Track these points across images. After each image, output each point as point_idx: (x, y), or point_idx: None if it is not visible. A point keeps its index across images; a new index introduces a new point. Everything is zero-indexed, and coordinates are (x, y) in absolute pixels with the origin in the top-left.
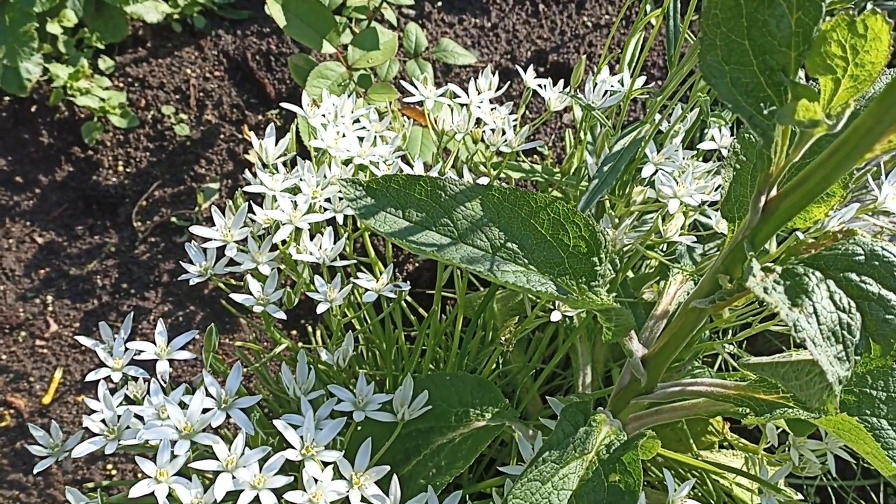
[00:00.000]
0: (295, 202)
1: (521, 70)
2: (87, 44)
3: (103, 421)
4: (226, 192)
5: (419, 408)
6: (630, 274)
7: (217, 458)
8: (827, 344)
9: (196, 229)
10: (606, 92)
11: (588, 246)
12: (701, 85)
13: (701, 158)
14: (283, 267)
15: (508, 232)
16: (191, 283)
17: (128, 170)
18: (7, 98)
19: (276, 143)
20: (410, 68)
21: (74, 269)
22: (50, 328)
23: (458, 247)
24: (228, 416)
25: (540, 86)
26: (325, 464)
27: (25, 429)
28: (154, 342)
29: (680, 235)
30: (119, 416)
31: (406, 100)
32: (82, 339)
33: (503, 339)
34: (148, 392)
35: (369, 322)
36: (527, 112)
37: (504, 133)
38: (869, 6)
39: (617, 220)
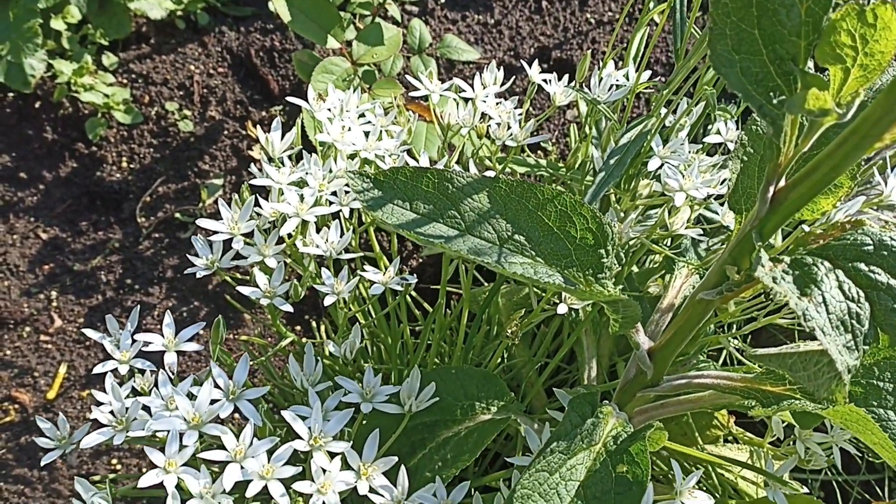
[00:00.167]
0: (301, 195)
1: (525, 65)
2: (91, 40)
3: (111, 412)
4: (229, 188)
5: (426, 399)
6: (634, 269)
7: (225, 449)
8: (836, 333)
9: (203, 222)
10: (612, 86)
11: (595, 238)
12: (707, 78)
13: (705, 153)
14: (288, 261)
15: (515, 224)
16: (197, 276)
17: (132, 166)
18: (11, 94)
19: (282, 138)
20: (414, 64)
21: (78, 264)
22: (54, 323)
23: (466, 238)
24: (234, 410)
25: (545, 80)
26: (333, 455)
27: (30, 424)
28: (160, 335)
29: (686, 228)
30: (127, 409)
31: (412, 94)
32: (89, 332)
33: (510, 331)
34: (155, 384)
35: (374, 316)
36: (530, 109)
37: (509, 127)
38: None
39: (622, 214)
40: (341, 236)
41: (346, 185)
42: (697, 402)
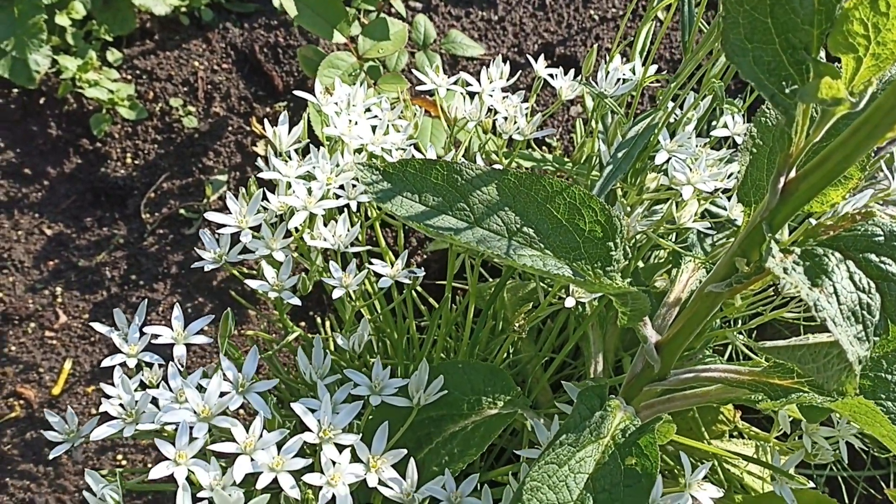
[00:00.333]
0: (309, 188)
1: (531, 59)
2: (96, 36)
3: (121, 405)
4: (234, 184)
5: (434, 393)
6: (640, 263)
7: (235, 441)
8: (847, 324)
9: (211, 215)
10: (618, 80)
11: (604, 231)
12: (714, 71)
13: (710, 148)
14: (294, 255)
15: (524, 216)
16: (205, 269)
17: (136, 162)
18: (16, 90)
19: (289, 132)
20: (419, 59)
21: (83, 260)
22: (59, 319)
23: (475, 231)
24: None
25: (551, 75)
26: (342, 447)
27: (35, 419)
28: (168, 328)
29: (693, 222)
30: (136, 401)
31: (418, 88)
32: (97, 326)
33: (517, 325)
34: (164, 377)
35: (380, 311)
36: (534, 105)
37: (516, 122)
38: None
39: (629, 208)
40: (348, 230)
41: (354, 178)
42: (704, 396)
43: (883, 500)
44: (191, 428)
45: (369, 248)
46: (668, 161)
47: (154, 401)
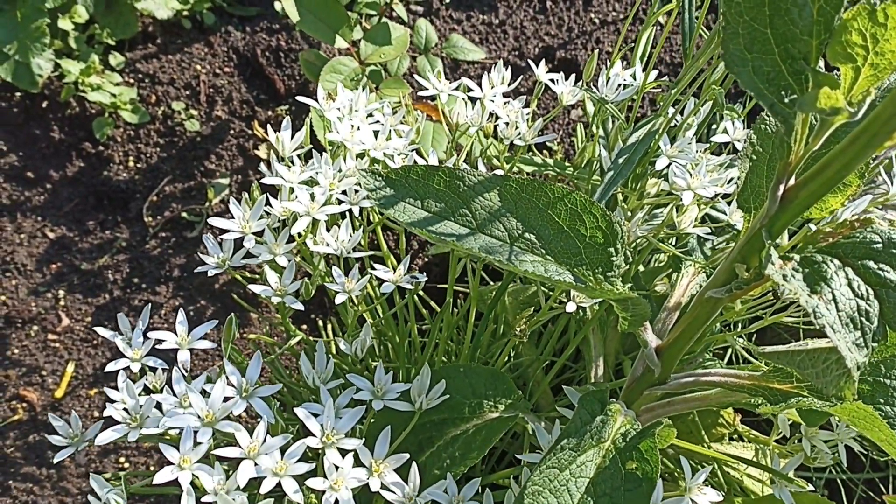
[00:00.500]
0: (312, 194)
1: (532, 64)
2: (98, 40)
3: (125, 409)
4: (236, 188)
5: (436, 397)
6: (641, 268)
7: (239, 446)
8: (846, 330)
9: (214, 220)
10: (619, 86)
11: (605, 236)
12: (714, 77)
13: (710, 153)
14: (297, 260)
15: (526, 222)
16: (208, 274)
17: (138, 165)
18: (18, 94)
19: (292, 137)
20: (421, 64)
21: (86, 263)
22: (62, 322)
23: (477, 237)
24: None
25: (552, 80)
26: (345, 451)
27: (38, 422)
28: (172, 333)
29: (693, 227)
30: (140, 406)
31: (420, 94)
32: (101, 331)
33: (518, 330)
34: (168, 382)
35: (382, 315)
36: (535, 109)
37: (517, 127)
38: None
39: (629, 213)
40: (351, 235)
41: (357, 183)
42: (704, 400)
43: None
44: (195, 432)
45: (371, 253)
46: (668, 166)
47: (158, 405)
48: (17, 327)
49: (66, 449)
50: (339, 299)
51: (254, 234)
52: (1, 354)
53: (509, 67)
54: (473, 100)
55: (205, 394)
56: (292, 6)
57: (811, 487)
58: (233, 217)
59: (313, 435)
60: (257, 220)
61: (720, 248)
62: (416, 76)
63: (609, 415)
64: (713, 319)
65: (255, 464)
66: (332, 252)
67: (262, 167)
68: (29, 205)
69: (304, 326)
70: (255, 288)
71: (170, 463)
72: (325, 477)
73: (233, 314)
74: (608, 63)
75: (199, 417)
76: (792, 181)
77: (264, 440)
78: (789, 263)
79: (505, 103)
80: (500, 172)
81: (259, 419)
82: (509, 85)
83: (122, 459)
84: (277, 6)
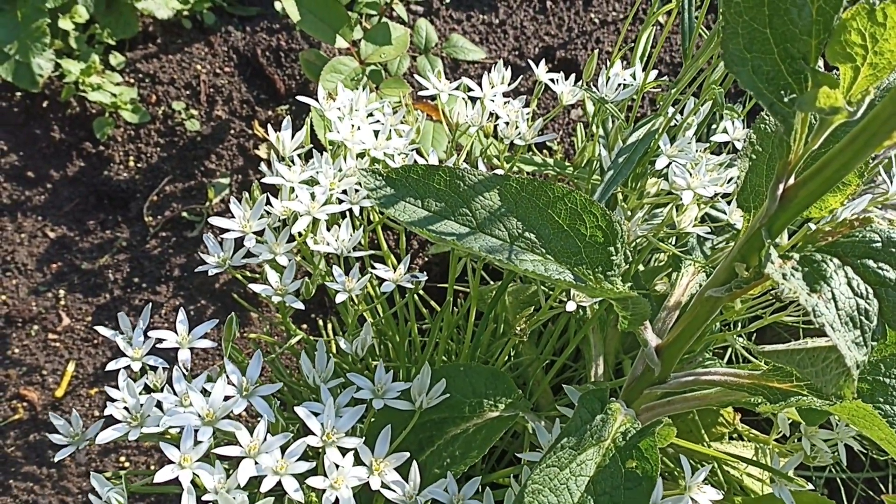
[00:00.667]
0: (313, 193)
1: (532, 64)
2: (99, 40)
3: (126, 409)
4: (236, 187)
5: (437, 396)
6: (641, 267)
7: (240, 445)
8: (845, 329)
9: (215, 220)
10: (619, 85)
11: (605, 236)
12: (714, 77)
13: (710, 153)
14: (297, 259)
15: (526, 222)
16: (209, 273)
17: (139, 165)
18: (19, 94)
19: (292, 137)
20: (421, 64)
21: (86, 263)
22: (62, 322)
23: (477, 236)
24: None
25: (552, 80)
26: (345, 450)
27: (39, 422)
28: (173, 332)
29: (693, 226)
30: (141, 405)
31: (420, 93)
32: (102, 330)
33: (518, 329)
34: (168, 381)
35: (382, 315)
36: (535, 109)
37: (517, 126)
38: None
39: (629, 213)
40: (351, 234)
41: (357, 183)
42: (704, 399)
43: None
44: (195, 431)
45: (371, 252)
46: (668, 166)
47: (159, 404)
48: (18, 327)
49: (67, 448)
50: (339, 298)
51: (254, 233)
52: (1, 354)
53: (509, 67)
54: (473, 99)
55: (205, 393)
56: (293, 6)
57: (811, 486)
58: (233, 216)
59: (314, 434)
60: (258, 219)
61: (720, 247)
62: (416, 76)
63: (609, 414)
64: (713, 319)
65: (256, 462)
66: (332, 251)
67: (263, 167)
68: (29, 204)
69: (305, 326)
70: (256, 287)
71: (170, 462)
72: (325, 475)
73: (233, 313)
74: (608, 63)
75: (199, 416)
76: (791, 180)
77: (265, 439)
78: (789, 262)
79: (505, 103)
80: (500, 172)
81: (259, 418)
82: (509, 85)
83: (122, 458)
84: (278, 6)
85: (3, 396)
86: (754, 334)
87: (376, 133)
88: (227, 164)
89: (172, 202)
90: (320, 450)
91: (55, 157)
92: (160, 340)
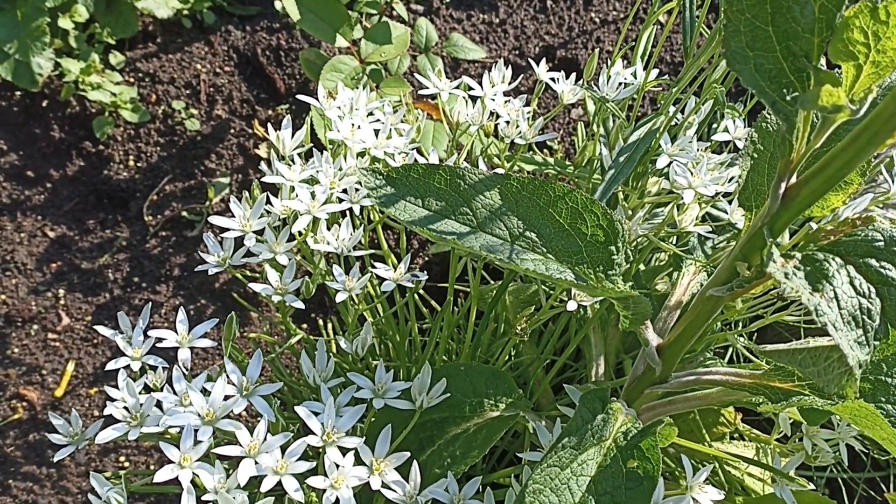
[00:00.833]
0: (313, 192)
1: (533, 63)
2: (98, 39)
3: (126, 408)
4: (236, 187)
5: (437, 396)
6: (642, 266)
7: (240, 445)
8: (847, 328)
9: (215, 219)
10: (620, 84)
11: (606, 235)
12: (715, 76)
13: (711, 151)
14: (297, 258)
15: (527, 221)
16: (209, 273)
17: (139, 164)
18: (18, 93)
19: (292, 136)
20: (421, 63)
21: (86, 262)
22: (62, 321)
23: (478, 235)
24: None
25: (552, 79)
26: (346, 450)
27: (38, 421)
28: (173, 332)
29: (694, 226)
30: (141, 404)
31: (421, 92)
32: (101, 329)
33: (519, 328)
34: (168, 381)
35: (382, 314)
36: (536, 108)
37: (518, 125)
38: None
39: (630, 212)
40: (351, 233)
41: (357, 182)
42: (705, 398)
43: (882, 503)
44: (195, 431)
45: (372, 251)
46: (669, 165)
47: (158, 404)
48: (18, 326)
49: (67, 448)
50: (339, 298)
51: (254, 232)
52: (1, 353)
53: (510, 66)
54: (474, 98)
55: (205, 392)
56: (293, 5)
57: (812, 486)
58: (233, 216)
59: (314, 433)
60: (258, 218)
61: (721, 246)
62: (416, 75)
63: (610, 413)
64: (714, 318)
65: (256, 462)
66: (332, 250)
67: (263, 166)
68: (29, 204)
69: (305, 325)
70: (256, 286)
71: (170, 461)
72: (325, 475)
73: (233, 313)
74: (609, 62)
75: (199, 416)
76: (793, 179)
77: (265, 439)
78: (791, 261)
79: (505, 102)
80: (500, 171)
81: (260, 418)
82: (510, 84)
83: (122, 458)
84: (278, 5)
85: (3, 396)
86: (755, 334)
87: (377, 132)
88: (227, 164)
89: (172, 201)
90: (320, 449)
91: (55, 156)
92: (160, 340)
